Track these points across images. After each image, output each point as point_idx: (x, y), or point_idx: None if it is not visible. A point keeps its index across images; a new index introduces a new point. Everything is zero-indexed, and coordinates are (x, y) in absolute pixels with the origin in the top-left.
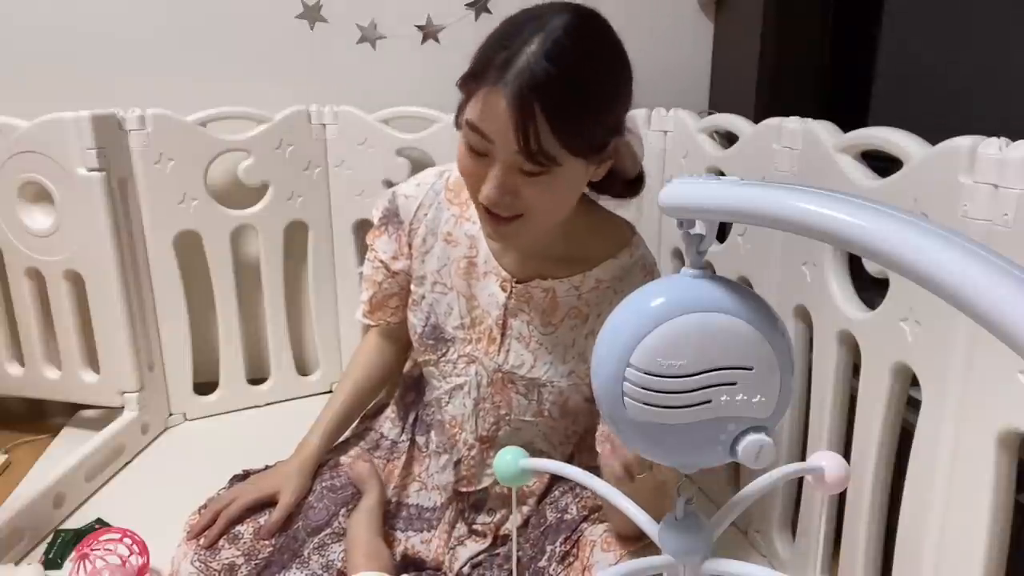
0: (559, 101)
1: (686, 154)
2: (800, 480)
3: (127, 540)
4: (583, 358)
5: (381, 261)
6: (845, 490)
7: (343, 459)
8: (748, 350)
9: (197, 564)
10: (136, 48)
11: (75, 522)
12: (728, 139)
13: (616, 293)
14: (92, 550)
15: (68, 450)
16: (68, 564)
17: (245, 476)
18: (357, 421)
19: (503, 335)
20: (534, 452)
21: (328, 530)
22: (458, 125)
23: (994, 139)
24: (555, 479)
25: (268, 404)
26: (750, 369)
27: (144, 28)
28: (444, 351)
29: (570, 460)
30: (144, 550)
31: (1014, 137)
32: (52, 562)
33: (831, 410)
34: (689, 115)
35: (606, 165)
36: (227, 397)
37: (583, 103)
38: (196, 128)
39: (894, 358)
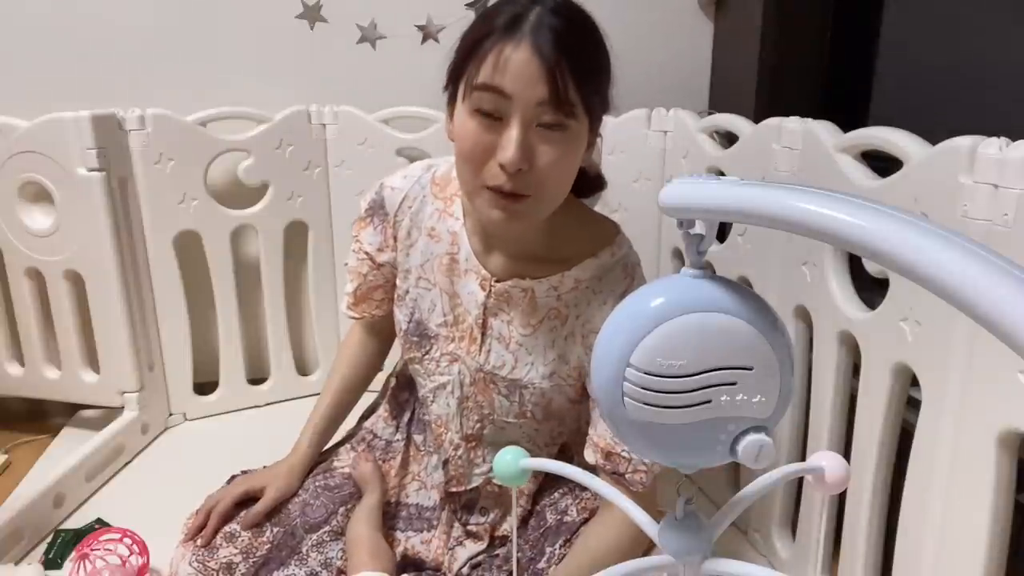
0: (579, 53)
1: (686, 154)
2: (800, 480)
3: (127, 540)
4: (564, 360)
5: (366, 253)
6: (845, 490)
7: (337, 461)
8: (748, 350)
9: (195, 564)
10: (136, 48)
11: (75, 522)
12: (728, 139)
13: (595, 293)
14: (92, 550)
15: (68, 450)
16: (68, 564)
17: None
18: (356, 423)
19: (483, 335)
20: None
21: (326, 528)
22: (451, 115)
23: (994, 139)
24: (548, 479)
25: (268, 404)
26: (750, 369)
27: (144, 28)
28: (428, 348)
29: (570, 460)
30: (144, 550)
31: (1014, 137)
32: (52, 562)
33: (831, 410)
34: (689, 115)
35: (592, 148)
36: (227, 397)
37: (596, 59)
38: (196, 128)
39: (894, 358)
